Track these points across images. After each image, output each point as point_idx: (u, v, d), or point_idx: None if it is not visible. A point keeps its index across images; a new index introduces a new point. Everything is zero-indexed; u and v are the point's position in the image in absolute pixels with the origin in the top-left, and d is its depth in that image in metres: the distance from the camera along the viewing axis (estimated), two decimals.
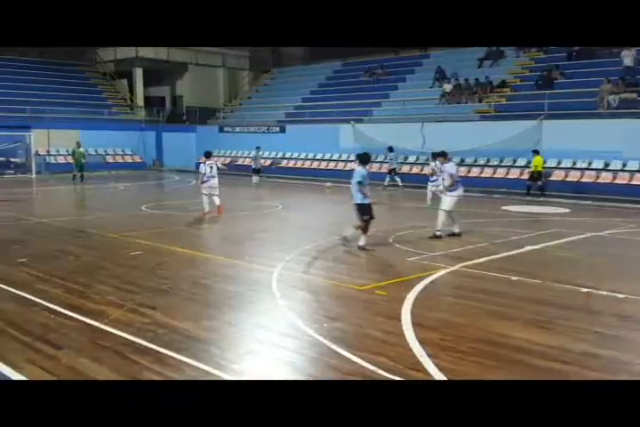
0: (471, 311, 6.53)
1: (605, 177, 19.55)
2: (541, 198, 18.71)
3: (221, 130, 33.27)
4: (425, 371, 4.77)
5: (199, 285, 7.72)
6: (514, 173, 21.48)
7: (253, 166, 24.35)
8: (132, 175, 28.32)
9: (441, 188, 16.11)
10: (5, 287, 7.37)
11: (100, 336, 5.59)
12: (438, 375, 4.67)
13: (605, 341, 5.67)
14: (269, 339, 5.62)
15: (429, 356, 5.07)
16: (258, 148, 24.73)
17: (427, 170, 17.94)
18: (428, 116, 24.23)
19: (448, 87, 25.84)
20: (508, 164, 22.04)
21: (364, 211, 9.82)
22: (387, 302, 6.84)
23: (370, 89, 29.61)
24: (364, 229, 9.89)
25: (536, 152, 19.53)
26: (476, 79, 25.16)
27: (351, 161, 22.24)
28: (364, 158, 10.12)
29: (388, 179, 21.66)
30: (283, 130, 30.06)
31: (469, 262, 8.96)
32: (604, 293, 7.31)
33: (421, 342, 5.42)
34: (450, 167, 11.34)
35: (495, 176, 21.91)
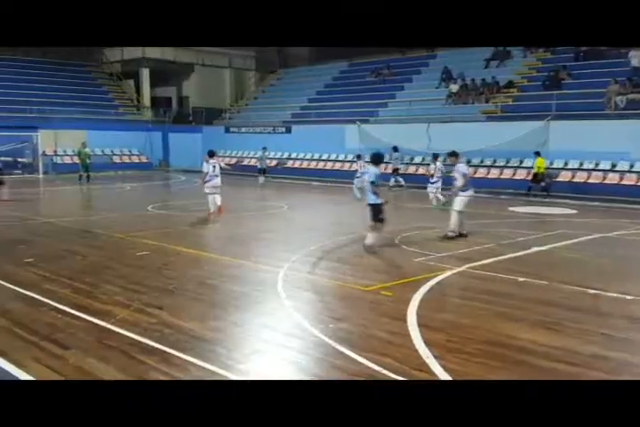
0: (478, 313, 6.50)
1: (612, 178, 19.45)
2: (547, 199, 18.65)
3: (227, 130, 33.33)
4: (431, 372, 4.75)
5: (205, 285, 7.73)
6: (520, 174, 21.40)
7: (259, 166, 24.40)
8: (138, 175, 28.40)
9: (439, 189, 16.14)
10: (12, 287, 7.40)
11: (106, 336, 5.60)
12: (444, 377, 4.65)
13: (614, 343, 5.63)
14: (275, 339, 5.62)
15: (435, 357, 5.05)
16: (264, 148, 24.75)
17: (427, 170, 17.91)
18: (435, 117, 24.18)
19: (455, 88, 25.79)
20: (515, 164, 21.96)
21: (378, 211, 9.77)
22: (392, 303, 6.82)
23: (376, 89, 29.58)
24: (374, 229, 9.84)
25: (538, 154, 19.47)
26: (483, 80, 25.09)
27: (353, 161, 22.20)
28: (377, 158, 10.05)
29: (392, 179, 21.64)
30: (289, 130, 30.08)
31: (476, 263, 8.92)
32: (613, 294, 7.27)
33: (427, 343, 5.40)
34: (462, 167, 11.26)
35: (502, 177, 21.83)
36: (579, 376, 4.71)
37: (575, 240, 11.18)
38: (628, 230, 12.48)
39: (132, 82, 37.04)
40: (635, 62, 21.49)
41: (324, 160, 28.28)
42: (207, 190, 14.20)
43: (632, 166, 19.35)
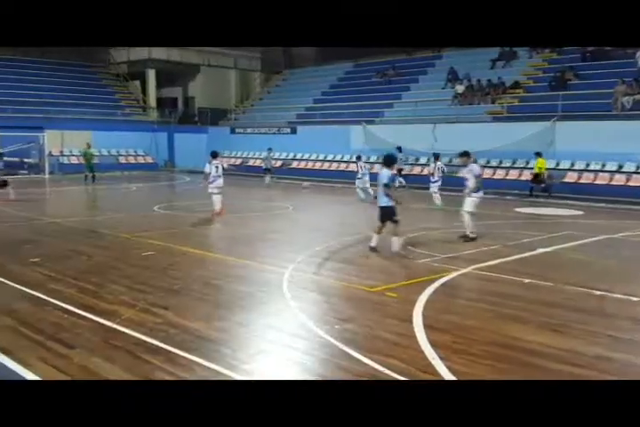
0: (483, 314, 6.49)
1: (619, 179, 19.38)
2: (550, 200, 18.58)
3: (233, 131, 33.38)
4: (436, 373, 4.74)
5: (210, 285, 7.74)
6: (526, 175, 21.30)
7: (264, 166, 24.44)
8: (144, 176, 28.47)
9: (437, 189, 16.11)
10: (18, 287, 7.43)
11: (112, 336, 5.61)
12: (450, 378, 4.64)
13: (619, 344, 5.61)
14: (280, 340, 5.62)
15: (441, 358, 5.03)
16: (269, 149, 24.78)
17: (428, 169, 17.93)
18: (441, 118, 24.15)
19: (460, 88, 25.74)
20: (521, 165, 21.89)
21: (389, 213, 9.70)
22: (398, 304, 6.81)
23: (381, 90, 29.58)
24: (379, 231, 9.82)
25: (538, 154, 19.41)
26: (489, 80, 25.05)
27: (353, 162, 22.19)
28: (389, 160, 9.96)
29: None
30: (294, 131, 30.10)
31: (481, 265, 8.90)
32: (618, 296, 7.24)
33: (433, 344, 5.39)
34: (476, 168, 11.19)
35: (508, 178, 21.77)
36: (584, 377, 4.69)
37: (581, 242, 11.14)
38: (634, 232, 12.42)
39: (137, 83, 37.18)
40: None
41: (329, 161, 28.29)
42: (212, 191, 14.26)
43: (639, 168, 19.27)
